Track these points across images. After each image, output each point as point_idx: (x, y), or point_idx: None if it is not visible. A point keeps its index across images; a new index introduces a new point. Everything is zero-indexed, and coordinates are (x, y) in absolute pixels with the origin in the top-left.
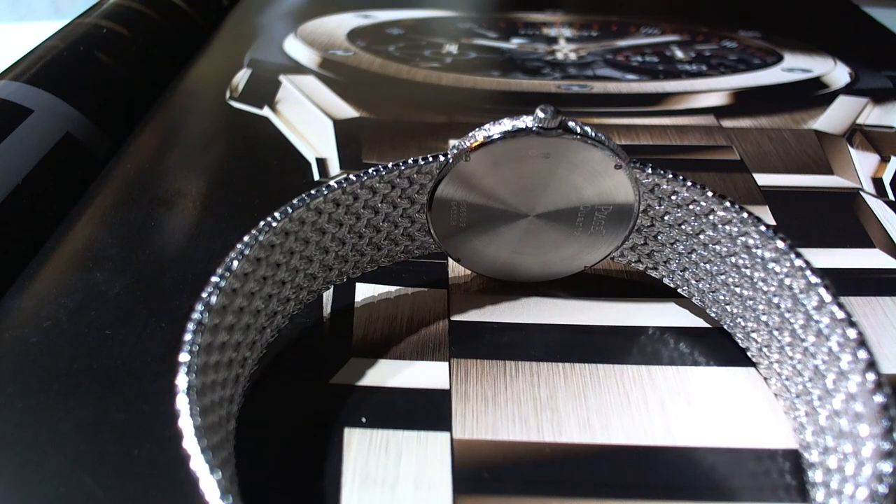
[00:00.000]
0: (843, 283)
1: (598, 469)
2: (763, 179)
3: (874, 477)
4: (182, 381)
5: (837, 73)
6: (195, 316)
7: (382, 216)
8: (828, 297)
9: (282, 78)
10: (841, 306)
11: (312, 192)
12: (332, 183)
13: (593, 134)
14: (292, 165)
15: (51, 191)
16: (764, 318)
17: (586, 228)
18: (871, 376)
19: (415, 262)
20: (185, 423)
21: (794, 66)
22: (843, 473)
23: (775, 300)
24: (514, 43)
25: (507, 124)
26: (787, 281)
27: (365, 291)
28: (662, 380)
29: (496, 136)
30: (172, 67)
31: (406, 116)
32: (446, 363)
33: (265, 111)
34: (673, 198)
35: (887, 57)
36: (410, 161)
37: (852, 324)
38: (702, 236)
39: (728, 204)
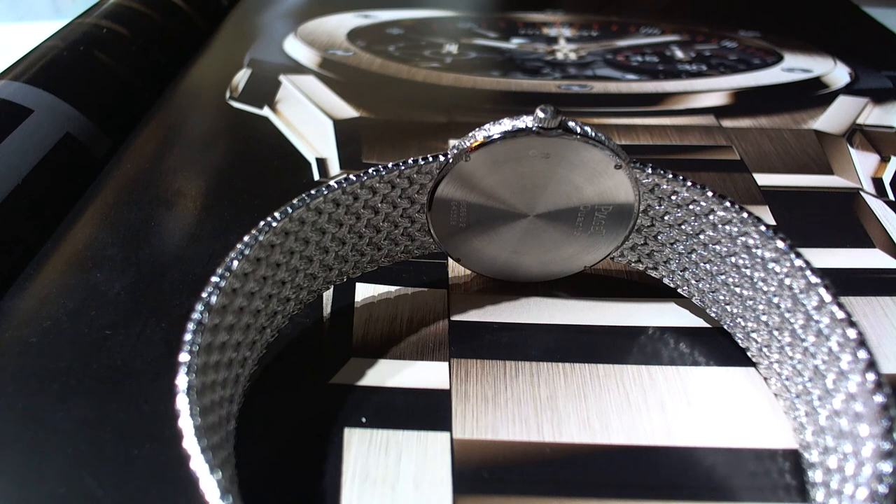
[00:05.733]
0: (843, 283)
1: (598, 469)
2: (763, 179)
3: (874, 477)
4: (182, 381)
5: (837, 73)
6: (195, 316)
7: (382, 216)
8: (828, 297)
9: (282, 78)
10: (841, 306)
11: (312, 192)
12: (332, 183)
13: (593, 134)
14: (292, 165)
15: (51, 191)
16: (764, 318)
17: (586, 228)
18: (871, 376)
19: (415, 262)
20: (185, 423)
21: (794, 66)
22: (843, 473)
23: (775, 300)
24: (514, 43)
25: (507, 124)
26: (787, 281)
27: (365, 291)
28: (662, 380)
29: (496, 136)
30: (172, 67)
31: (406, 116)
32: (446, 363)
33: (265, 111)
34: (673, 198)
35: (887, 57)
36: (410, 161)
37: (852, 324)
38: (702, 236)
39: (728, 204)
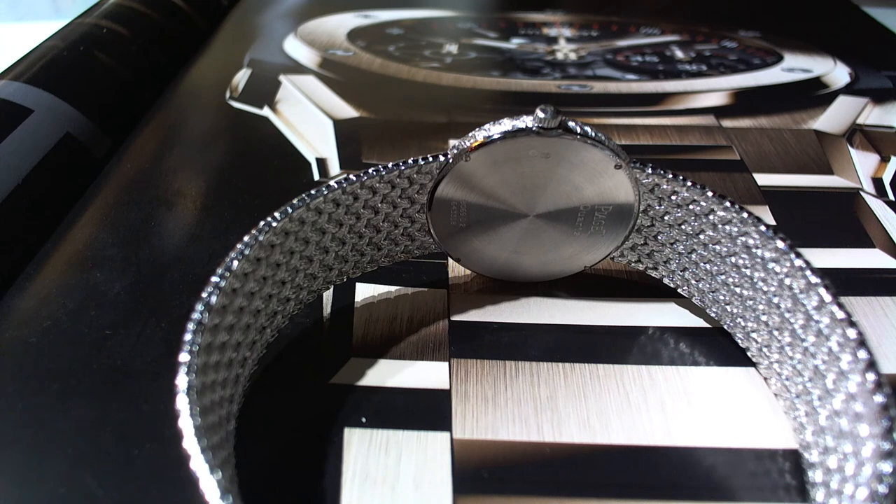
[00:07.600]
0: (843, 283)
1: (598, 469)
2: (763, 179)
3: (874, 477)
4: (182, 381)
5: (837, 73)
6: (195, 316)
7: (382, 216)
8: (828, 297)
9: (282, 78)
10: (841, 306)
11: (312, 192)
12: (332, 183)
13: (593, 134)
14: (292, 165)
15: (51, 191)
16: (764, 318)
17: (586, 228)
18: (871, 376)
19: (415, 262)
20: (185, 423)
21: (794, 66)
22: (843, 473)
23: (775, 300)
24: (514, 43)
25: (507, 124)
26: (787, 281)
27: (365, 291)
28: (662, 380)
29: (496, 136)
30: (172, 67)
31: (406, 116)
32: (446, 363)
33: (265, 111)
34: (673, 198)
35: (887, 57)
36: (410, 161)
37: (852, 324)
38: (702, 236)
39: (728, 204)
